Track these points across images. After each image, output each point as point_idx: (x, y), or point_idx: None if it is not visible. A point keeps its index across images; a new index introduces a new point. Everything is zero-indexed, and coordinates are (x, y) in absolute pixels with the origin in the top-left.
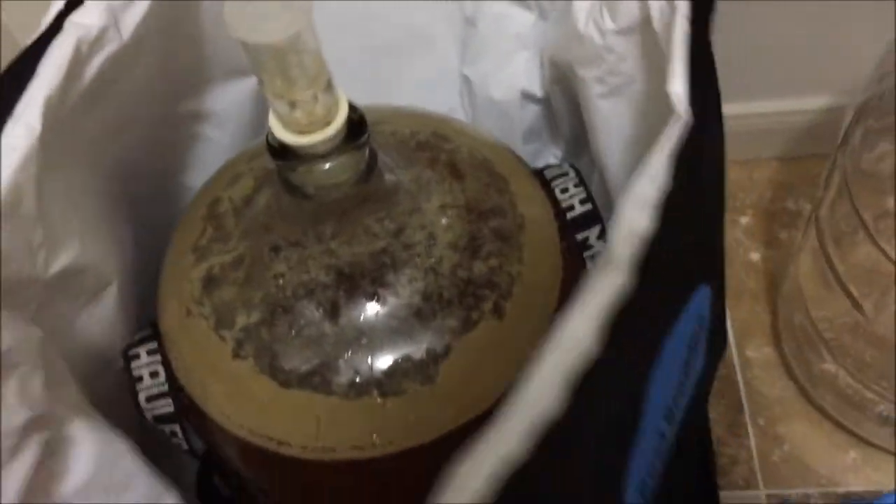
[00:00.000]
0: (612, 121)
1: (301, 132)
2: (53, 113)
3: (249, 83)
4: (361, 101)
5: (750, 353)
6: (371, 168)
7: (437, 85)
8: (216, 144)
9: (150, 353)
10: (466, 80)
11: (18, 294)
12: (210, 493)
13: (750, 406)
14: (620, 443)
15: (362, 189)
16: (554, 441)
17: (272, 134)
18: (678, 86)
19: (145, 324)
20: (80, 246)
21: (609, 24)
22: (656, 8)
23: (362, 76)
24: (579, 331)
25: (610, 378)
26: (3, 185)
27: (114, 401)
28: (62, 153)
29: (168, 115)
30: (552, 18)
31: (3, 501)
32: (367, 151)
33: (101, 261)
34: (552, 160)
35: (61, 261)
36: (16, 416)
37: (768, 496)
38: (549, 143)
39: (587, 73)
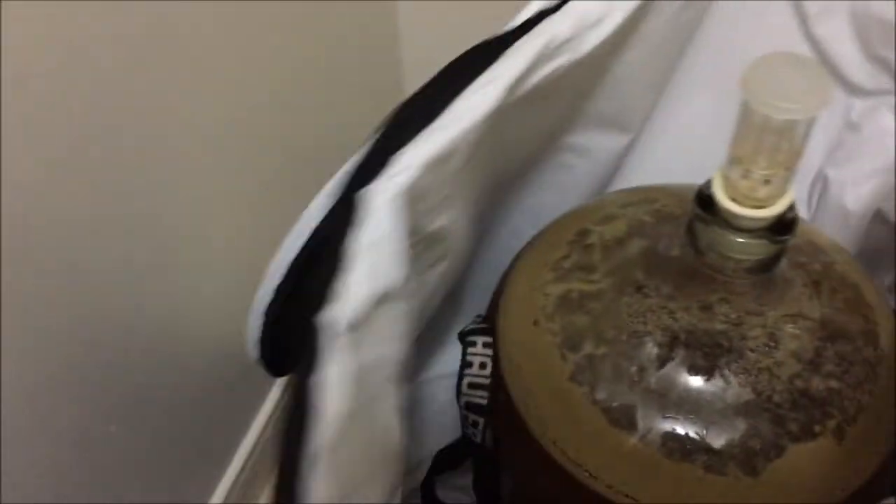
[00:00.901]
0: None
1: (736, 200)
2: (505, 98)
3: (625, 139)
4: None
5: None
6: (774, 263)
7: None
8: (572, 173)
9: (485, 345)
10: (824, 179)
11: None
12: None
13: None
14: None
15: (753, 276)
16: None
17: (709, 186)
18: None
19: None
20: (449, 217)
21: None
22: None
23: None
24: None
25: None
26: (457, 133)
27: None
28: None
29: (551, 144)
30: None
31: None
32: (780, 249)
33: (452, 238)
34: None
35: (437, 223)
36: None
37: None
38: (880, 269)
39: None
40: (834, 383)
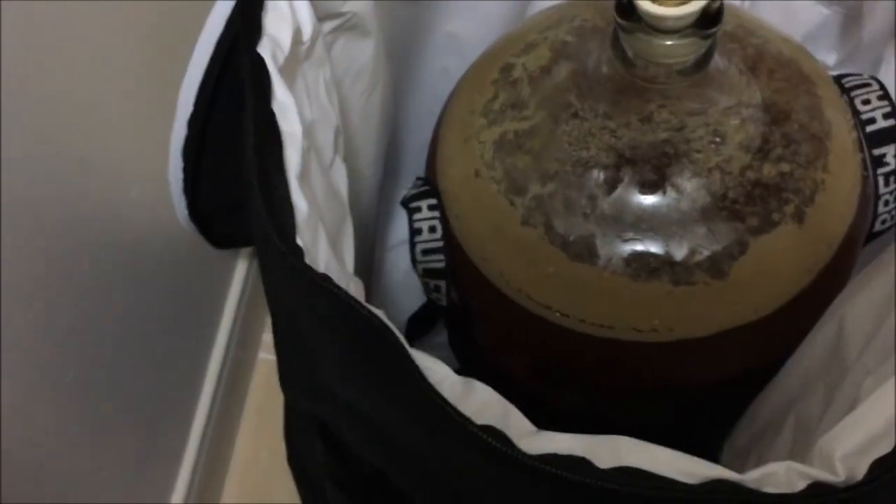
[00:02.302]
0: None
1: (656, 1)
2: None
3: None
4: None
5: None
6: (707, 59)
7: None
8: None
9: (430, 207)
10: None
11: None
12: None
13: None
14: None
15: (687, 77)
16: None
17: None
18: None
19: None
20: (371, 5)
21: None
22: None
23: None
24: None
25: None
26: None
27: None
28: None
29: None
30: None
31: None
32: (710, 43)
33: (379, 42)
34: None
35: (354, 3)
36: None
37: None
38: (822, 50)
39: None
40: (786, 167)
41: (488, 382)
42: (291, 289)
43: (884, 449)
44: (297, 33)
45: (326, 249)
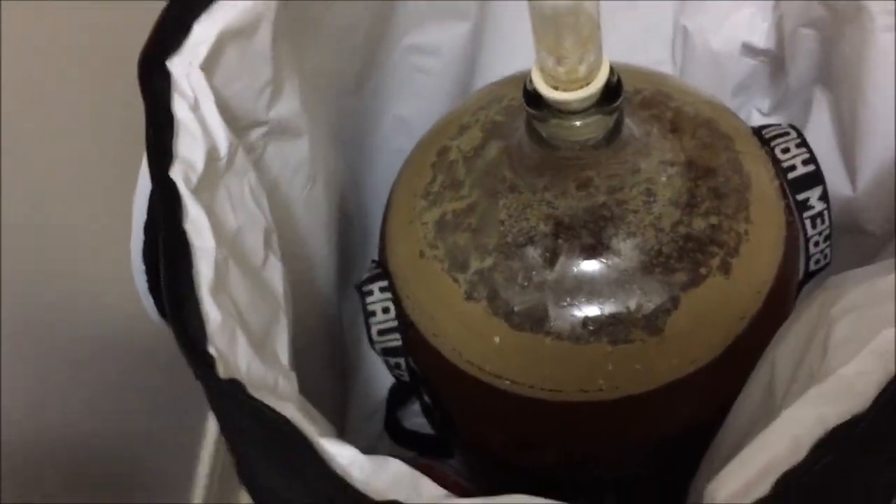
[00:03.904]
0: (892, 57)
1: (559, 87)
2: None
3: (466, 26)
4: None
5: None
6: (618, 130)
7: (649, 35)
8: (430, 76)
9: (381, 290)
10: (684, 31)
11: (245, 136)
12: (396, 426)
13: None
14: None
15: (604, 148)
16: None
17: (531, 83)
18: None
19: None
20: (300, 104)
21: None
22: None
23: None
24: None
25: None
26: (245, 8)
27: None
28: (297, 20)
29: (391, 44)
30: None
31: None
32: (618, 114)
33: (315, 138)
34: (755, 114)
35: (281, 108)
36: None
37: None
38: (755, 97)
39: (876, 6)
40: (714, 219)
41: (464, 450)
42: (206, 395)
43: (761, 492)
44: (212, 151)
45: (247, 352)
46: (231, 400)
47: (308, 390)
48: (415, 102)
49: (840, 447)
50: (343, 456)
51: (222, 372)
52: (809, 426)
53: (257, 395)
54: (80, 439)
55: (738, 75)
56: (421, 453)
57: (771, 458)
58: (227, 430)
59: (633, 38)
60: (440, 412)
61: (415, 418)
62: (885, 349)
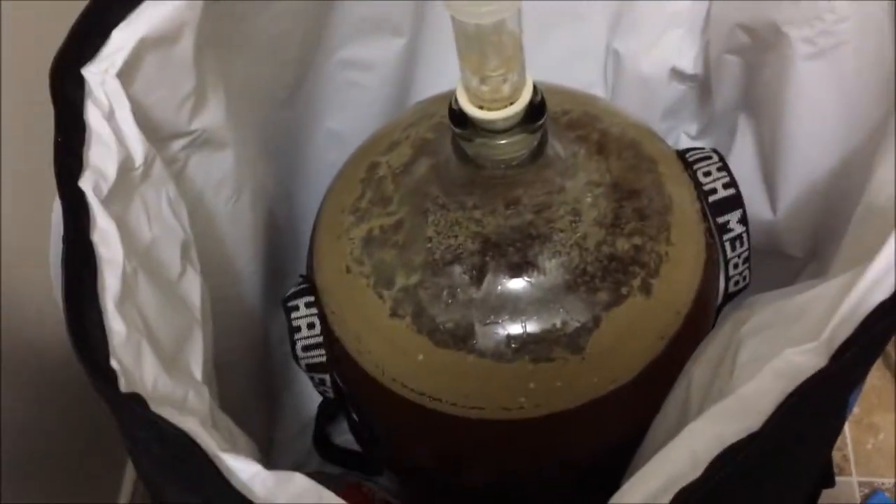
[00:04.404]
0: (811, 84)
1: (484, 107)
2: None
3: (401, 42)
4: None
5: None
6: (542, 148)
7: (580, 57)
8: (364, 91)
9: (307, 305)
10: (615, 55)
11: (166, 146)
12: (324, 442)
13: None
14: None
15: (529, 166)
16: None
17: (456, 102)
18: None
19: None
20: (224, 116)
21: None
22: None
23: None
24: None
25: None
26: (167, 14)
27: None
28: (224, 30)
29: (325, 57)
30: None
31: None
32: (542, 133)
33: (241, 151)
34: (683, 137)
35: (204, 119)
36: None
37: (860, 483)
38: (684, 121)
39: (796, 33)
40: (637, 240)
41: (392, 467)
42: (107, 408)
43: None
44: (126, 161)
45: (154, 365)
46: (131, 414)
47: (233, 405)
48: (349, 116)
49: (736, 463)
50: (244, 471)
51: (124, 386)
52: (708, 443)
53: (159, 409)
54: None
55: (668, 99)
56: (350, 470)
57: (671, 474)
58: (129, 444)
59: (566, 60)
60: (367, 430)
61: (346, 434)
62: (784, 369)
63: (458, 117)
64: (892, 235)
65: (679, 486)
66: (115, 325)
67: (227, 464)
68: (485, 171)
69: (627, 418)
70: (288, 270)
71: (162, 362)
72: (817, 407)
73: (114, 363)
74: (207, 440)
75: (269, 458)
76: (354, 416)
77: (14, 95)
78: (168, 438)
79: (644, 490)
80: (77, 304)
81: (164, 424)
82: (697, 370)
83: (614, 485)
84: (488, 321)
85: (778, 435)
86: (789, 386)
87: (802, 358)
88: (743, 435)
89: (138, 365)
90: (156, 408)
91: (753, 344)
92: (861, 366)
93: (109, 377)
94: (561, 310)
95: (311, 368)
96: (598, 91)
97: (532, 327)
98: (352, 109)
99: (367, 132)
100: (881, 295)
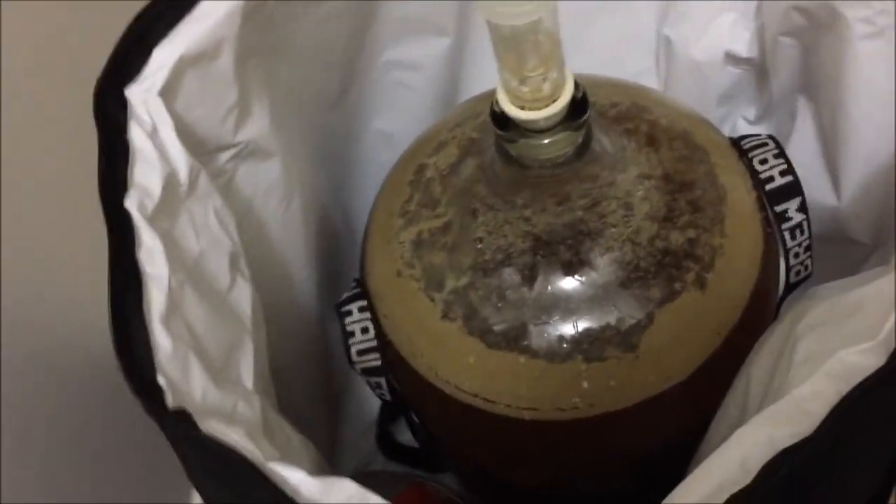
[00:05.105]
0: (870, 65)
1: (525, 107)
2: None
3: (446, 42)
4: None
5: None
6: (587, 145)
7: (631, 45)
8: (412, 91)
9: (360, 310)
10: (666, 41)
11: (213, 159)
12: (388, 441)
13: None
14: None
15: (575, 163)
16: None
17: (497, 104)
18: None
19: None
20: (270, 125)
21: None
22: None
23: None
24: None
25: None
26: (206, 31)
27: None
28: (264, 40)
29: (371, 59)
30: None
31: None
32: (585, 129)
33: (289, 158)
34: (741, 122)
35: (249, 130)
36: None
37: None
38: (741, 106)
39: (853, 13)
40: (691, 233)
41: (452, 465)
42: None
43: None
44: (171, 177)
45: (202, 378)
46: (178, 430)
47: (294, 408)
48: (398, 117)
49: (788, 469)
50: (292, 478)
51: (171, 402)
52: (759, 448)
53: (207, 422)
54: None
55: (723, 84)
56: (414, 468)
57: (720, 479)
58: (181, 457)
59: (617, 49)
60: (424, 430)
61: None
62: (839, 370)
63: (501, 119)
64: None
65: (729, 492)
66: (162, 340)
67: (274, 472)
68: (531, 170)
69: (686, 415)
70: (345, 274)
71: (211, 373)
72: (875, 409)
73: (160, 379)
74: (253, 450)
75: (335, 459)
76: (413, 417)
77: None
78: (213, 451)
79: (692, 496)
80: (123, 325)
81: (208, 440)
82: (757, 366)
83: (677, 480)
84: (540, 321)
85: (832, 439)
86: (844, 388)
87: (858, 358)
88: (796, 439)
89: (186, 378)
90: (203, 420)
91: (809, 341)
92: None
93: (155, 394)
94: (613, 308)
95: (366, 372)
96: (651, 79)
97: (584, 326)
98: (400, 110)
99: (417, 132)
100: None
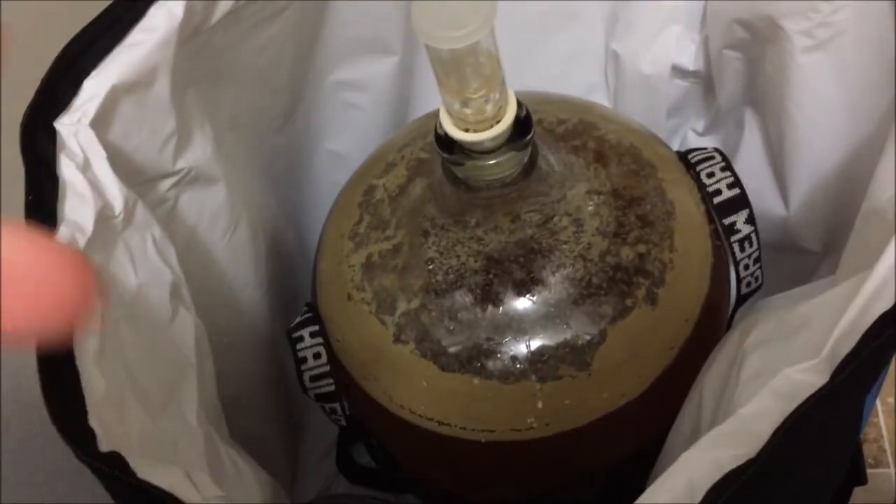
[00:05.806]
0: (812, 77)
1: (469, 129)
2: (198, 14)
3: (393, 60)
4: None
5: None
6: (534, 163)
7: (580, 60)
8: (361, 111)
9: (312, 335)
10: (614, 55)
11: (153, 188)
12: (349, 463)
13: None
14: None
15: (523, 182)
16: None
17: (441, 127)
18: None
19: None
20: (213, 150)
21: None
22: None
23: (503, 52)
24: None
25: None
26: (139, 59)
27: None
28: (204, 66)
29: (318, 81)
30: None
31: None
32: (531, 148)
33: (235, 182)
34: (690, 134)
35: (190, 157)
36: None
37: None
38: (690, 118)
39: (793, 26)
40: (642, 248)
41: (413, 487)
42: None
43: None
44: (104, 209)
45: (140, 418)
46: (112, 474)
47: (253, 434)
48: (348, 137)
49: (733, 491)
50: None
51: (104, 446)
52: (705, 470)
53: (141, 463)
54: None
55: (671, 97)
56: (378, 490)
57: (668, 502)
58: (115, 501)
59: (566, 63)
60: (382, 453)
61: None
62: (784, 388)
63: (445, 142)
64: (893, 241)
65: None
66: (95, 382)
67: None
68: (480, 191)
69: (643, 430)
70: (301, 294)
71: (149, 412)
72: (820, 426)
73: (92, 422)
74: (191, 493)
75: (297, 482)
76: (371, 441)
77: None
78: (148, 495)
79: None
80: (50, 369)
81: (143, 484)
82: (709, 379)
83: (637, 491)
84: (493, 341)
85: (777, 459)
86: (788, 407)
87: (802, 377)
88: (741, 461)
89: (121, 419)
90: (138, 463)
91: (757, 357)
92: (865, 380)
93: (86, 438)
94: (566, 325)
95: (320, 398)
96: (601, 93)
97: (537, 345)
98: (351, 130)
99: (368, 151)
100: (883, 306)
